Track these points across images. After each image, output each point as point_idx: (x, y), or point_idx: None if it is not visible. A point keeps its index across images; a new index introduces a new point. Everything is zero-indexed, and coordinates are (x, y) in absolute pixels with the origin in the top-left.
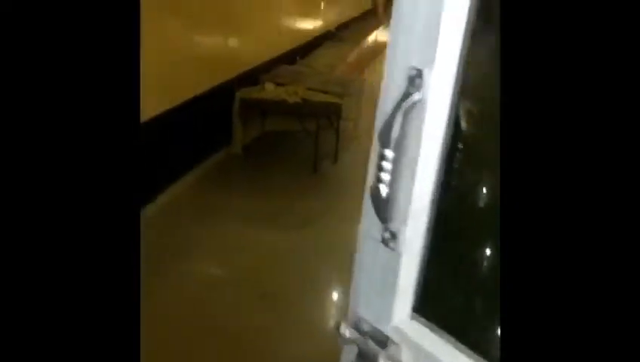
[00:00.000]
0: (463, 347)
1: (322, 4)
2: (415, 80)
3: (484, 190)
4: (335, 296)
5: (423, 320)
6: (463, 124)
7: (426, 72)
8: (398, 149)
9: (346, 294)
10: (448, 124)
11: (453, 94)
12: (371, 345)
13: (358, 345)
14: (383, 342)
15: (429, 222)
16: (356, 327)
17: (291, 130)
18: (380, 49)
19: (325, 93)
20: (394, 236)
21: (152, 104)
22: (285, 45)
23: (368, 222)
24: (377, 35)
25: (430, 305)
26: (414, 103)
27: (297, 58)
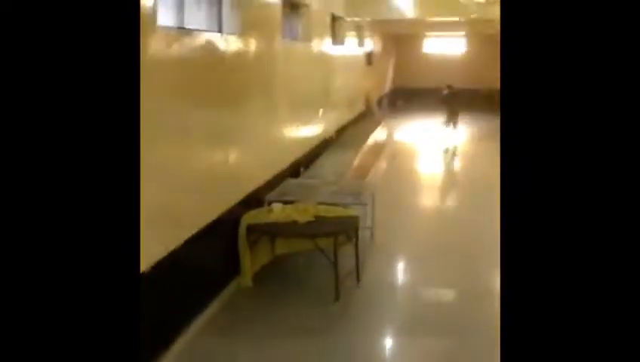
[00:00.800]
0: None
1: (320, 111)
2: None
3: None
4: None
5: None
6: None
7: None
8: None
9: None
10: None
11: None
12: None
13: None
14: None
15: None
16: None
17: (305, 250)
18: (379, 149)
19: (338, 205)
20: None
21: (151, 250)
22: (287, 158)
23: None
24: (377, 135)
25: None
26: None
27: (301, 169)
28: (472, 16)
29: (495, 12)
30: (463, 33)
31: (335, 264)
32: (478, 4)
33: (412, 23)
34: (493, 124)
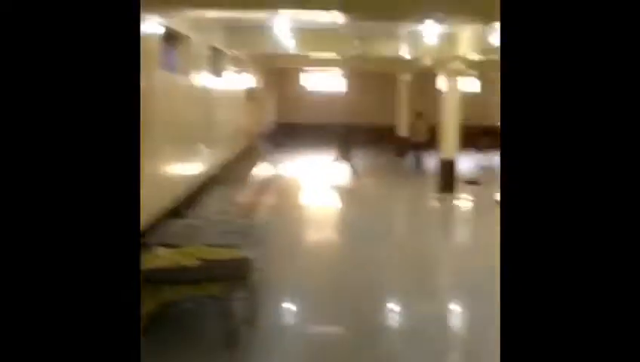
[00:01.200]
0: None
1: (202, 147)
2: None
3: None
4: None
5: None
6: None
7: None
8: None
9: None
10: None
11: None
12: None
13: None
14: None
15: None
16: None
17: (194, 296)
18: (265, 186)
19: (228, 246)
20: None
21: None
22: (169, 198)
23: None
24: (262, 171)
25: None
26: None
27: (184, 210)
28: (353, 53)
29: (375, 49)
30: (343, 70)
31: (230, 311)
32: (360, 40)
33: (293, 58)
34: (379, 160)
